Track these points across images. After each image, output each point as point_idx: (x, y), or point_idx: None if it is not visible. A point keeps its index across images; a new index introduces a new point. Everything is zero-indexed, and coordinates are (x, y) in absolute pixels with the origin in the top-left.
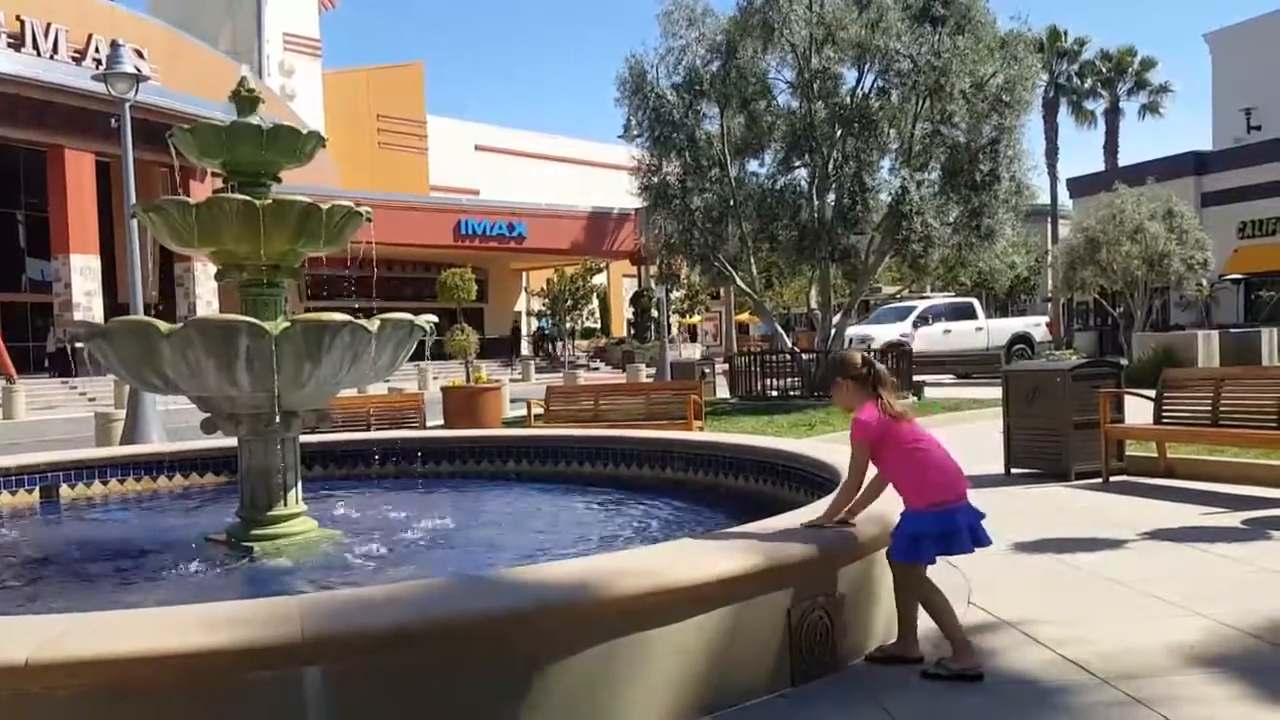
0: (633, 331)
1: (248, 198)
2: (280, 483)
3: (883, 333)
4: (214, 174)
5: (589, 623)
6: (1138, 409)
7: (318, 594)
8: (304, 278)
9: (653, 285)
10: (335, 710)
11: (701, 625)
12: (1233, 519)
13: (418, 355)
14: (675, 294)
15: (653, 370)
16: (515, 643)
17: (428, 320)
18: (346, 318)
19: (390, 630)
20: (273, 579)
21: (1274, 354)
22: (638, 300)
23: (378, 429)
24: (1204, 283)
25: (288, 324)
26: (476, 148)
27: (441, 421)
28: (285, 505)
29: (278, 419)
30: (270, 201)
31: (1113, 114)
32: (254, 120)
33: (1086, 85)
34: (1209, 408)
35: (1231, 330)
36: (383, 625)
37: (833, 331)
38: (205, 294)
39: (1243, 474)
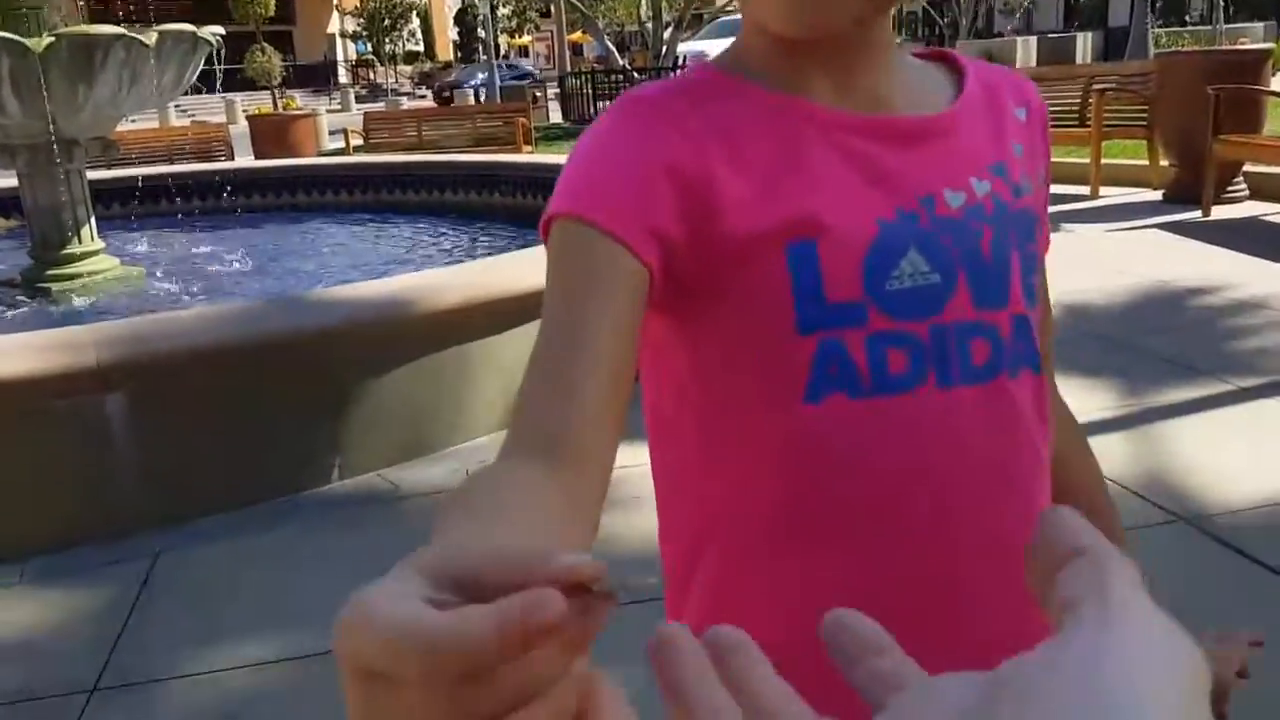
0: (459, 55)
1: None
2: (71, 219)
3: (717, 48)
4: None
5: (404, 338)
6: None
7: (112, 322)
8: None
9: (477, 1)
10: (141, 437)
11: (523, 337)
12: None
13: (212, 84)
14: (502, 10)
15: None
16: (328, 361)
17: (212, 33)
18: (119, 30)
19: (192, 352)
20: (71, 316)
21: (1088, 57)
22: (462, 19)
23: (181, 164)
24: None
25: (53, 39)
26: None
27: (252, 155)
28: (80, 243)
29: (56, 148)
30: None
31: None
32: None
33: None
34: None
35: (1049, 35)
36: (183, 348)
37: (664, 48)
38: None
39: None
